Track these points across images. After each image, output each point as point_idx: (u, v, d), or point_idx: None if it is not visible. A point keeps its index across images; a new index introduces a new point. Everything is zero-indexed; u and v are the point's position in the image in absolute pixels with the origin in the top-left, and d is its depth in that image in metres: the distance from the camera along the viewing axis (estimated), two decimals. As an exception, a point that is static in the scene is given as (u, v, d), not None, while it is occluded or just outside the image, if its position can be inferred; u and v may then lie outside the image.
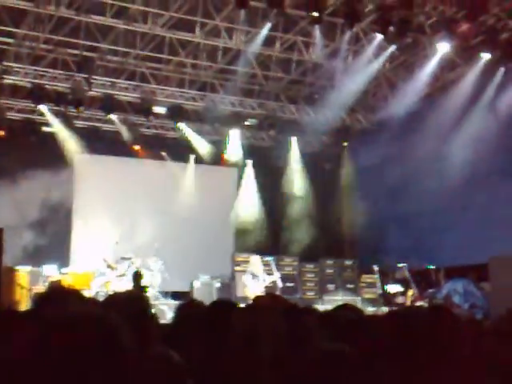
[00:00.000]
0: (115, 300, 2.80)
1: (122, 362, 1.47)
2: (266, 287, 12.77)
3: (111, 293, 3.31)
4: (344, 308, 3.41)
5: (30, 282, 13.93)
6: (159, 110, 15.76)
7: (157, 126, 17.30)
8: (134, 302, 2.77)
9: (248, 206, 17.11)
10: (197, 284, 15.61)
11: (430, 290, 14.47)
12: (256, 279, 12.81)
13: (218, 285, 15.69)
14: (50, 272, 14.37)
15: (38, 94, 14.52)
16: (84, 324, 1.49)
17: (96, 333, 1.48)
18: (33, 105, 15.10)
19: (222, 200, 17.39)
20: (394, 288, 14.49)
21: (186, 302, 3.43)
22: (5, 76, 14.39)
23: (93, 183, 16.44)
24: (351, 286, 16.75)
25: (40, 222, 15.64)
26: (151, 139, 17.10)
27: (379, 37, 13.74)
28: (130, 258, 14.38)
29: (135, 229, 15.88)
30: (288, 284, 15.68)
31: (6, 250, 12.17)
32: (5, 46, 14.14)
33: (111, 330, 1.50)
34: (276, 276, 13.16)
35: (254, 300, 4.09)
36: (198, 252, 16.32)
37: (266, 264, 13.57)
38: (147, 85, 15.62)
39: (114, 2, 12.76)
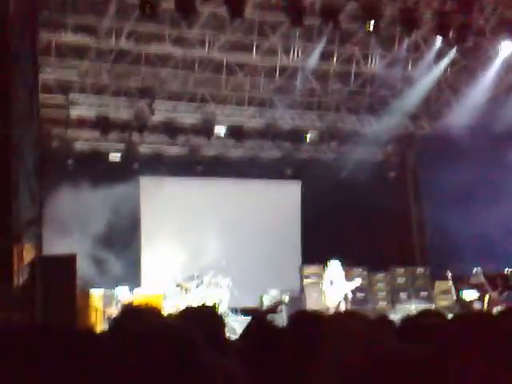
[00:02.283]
0: (190, 314, 2.77)
1: (200, 376, 1.48)
2: (346, 296, 12.71)
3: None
4: (428, 314, 3.35)
5: (104, 305, 14.14)
6: (220, 129, 16.01)
7: (218, 145, 17.43)
8: (208, 315, 2.76)
9: (313, 217, 16.91)
10: (266, 299, 15.62)
11: (507, 294, 13.96)
12: (334, 286, 12.67)
13: (287, 299, 15.46)
14: (123, 294, 14.50)
15: (103, 123, 14.93)
16: (164, 337, 1.50)
17: (176, 346, 1.49)
18: (98, 134, 15.53)
19: (287, 214, 17.41)
20: (469, 294, 14.33)
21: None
22: (71, 107, 14.79)
23: (159, 204, 16.59)
24: (424, 293, 16.38)
25: (110, 245, 15.82)
26: (213, 159, 17.36)
27: (439, 43, 13.49)
28: (198, 277, 14.48)
29: (202, 247, 15.94)
30: (358, 294, 15.28)
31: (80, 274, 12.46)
32: (70, 78, 14.54)
33: (191, 342, 1.51)
34: (355, 283, 12.97)
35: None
36: (266, 267, 16.28)
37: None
38: (207, 106, 15.90)
39: (172, 32, 12.95)
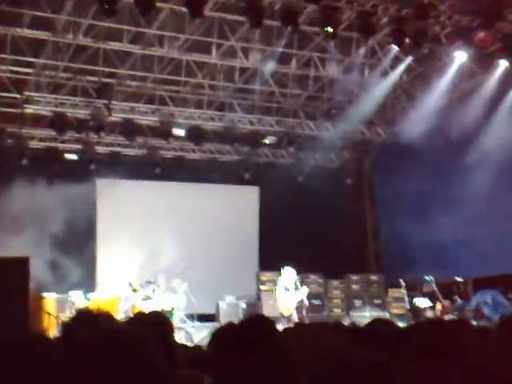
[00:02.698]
0: (142, 320, 2.77)
1: (156, 381, 1.47)
2: (298, 303, 12.68)
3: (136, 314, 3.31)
4: (378, 322, 3.48)
5: (57, 310, 13.86)
6: (178, 132, 15.83)
7: (176, 148, 17.38)
8: (160, 321, 2.74)
9: (270, 223, 17.00)
10: (222, 305, 15.51)
11: (459, 303, 14.20)
12: (289, 293, 12.63)
13: (243, 305, 15.54)
14: (77, 298, 14.28)
15: (59, 122, 14.64)
16: (117, 343, 1.49)
17: (130, 352, 1.48)
18: (54, 133, 15.24)
19: (244, 219, 17.41)
20: (422, 302, 14.35)
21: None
22: (26, 106, 14.45)
23: (115, 207, 16.48)
24: (378, 301, 16.55)
25: (64, 248, 15.49)
26: (171, 161, 17.22)
27: (395, 49, 13.63)
28: (154, 282, 14.39)
29: (159, 251, 15.75)
30: (314, 301, 15.54)
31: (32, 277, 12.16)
32: (25, 76, 14.30)
33: (145, 348, 1.51)
34: (305, 292, 12.93)
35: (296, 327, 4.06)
36: (223, 272, 16.24)
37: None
38: (166, 107, 15.70)
39: (131, 28, 12.85)
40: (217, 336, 2.44)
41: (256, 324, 2.42)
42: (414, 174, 15.14)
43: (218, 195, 17.45)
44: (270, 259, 15.77)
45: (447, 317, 12.83)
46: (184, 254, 15.50)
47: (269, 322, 2.44)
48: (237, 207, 17.57)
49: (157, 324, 2.65)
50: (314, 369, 2.07)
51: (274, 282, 14.46)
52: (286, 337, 2.68)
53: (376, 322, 3.50)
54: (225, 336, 2.45)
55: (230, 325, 2.49)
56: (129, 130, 15.40)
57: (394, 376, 1.92)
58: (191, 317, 14.41)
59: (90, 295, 14.62)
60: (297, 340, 2.54)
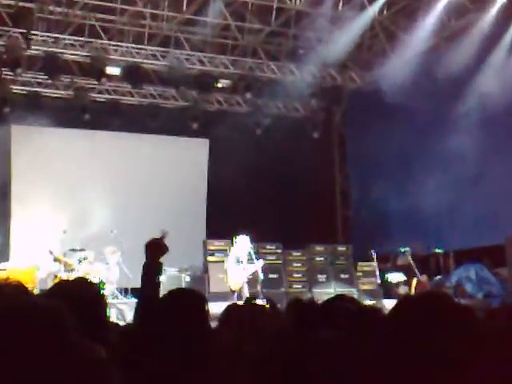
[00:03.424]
0: (62, 289, 2.73)
1: (65, 361, 1.52)
2: (251, 277, 12.24)
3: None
4: (340, 299, 3.54)
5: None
6: (112, 70, 14.71)
7: (109, 90, 16.12)
8: (83, 290, 2.69)
9: (222, 182, 15.78)
10: (162, 279, 14.16)
11: (438, 278, 13.83)
12: (242, 266, 12.10)
13: (187, 279, 14.34)
14: (-13, 268, 13.90)
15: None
16: (26, 316, 1.52)
17: (38, 326, 1.52)
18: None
19: (190, 178, 16.31)
20: (395, 277, 13.79)
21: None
22: None
23: (34, 161, 15.13)
24: (345, 275, 15.52)
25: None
26: (103, 106, 15.90)
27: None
28: (81, 250, 13.39)
29: (87, 214, 14.48)
30: (271, 275, 14.57)
31: None
32: None
33: (58, 324, 1.53)
34: (259, 265, 12.23)
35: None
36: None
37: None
38: (98, 40, 14.46)
39: None
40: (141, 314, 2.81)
41: (180, 300, 2.60)
42: (392, 129, 14.48)
43: (159, 148, 16.19)
44: (221, 226, 14.85)
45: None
46: (117, 218, 14.52)
47: (198, 299, 2.66)
48: (181, 163, 16.30)
49: (83, 296, 2.57)
50: (252, 355, 2.05)
51: (225, 253, 13.85)
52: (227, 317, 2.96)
53: (337, 298, 3.63)
54: (153, 317, 2.66)
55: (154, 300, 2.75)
56: (52, 66, 14.24)
57: (353, 358, 1.86)
58: (124, 291, 13.57)
59: (2, 264, 13.56)
60: (234, 322, 2.78)
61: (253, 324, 2.60)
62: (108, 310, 2.87)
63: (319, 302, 3.64)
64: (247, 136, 15.78)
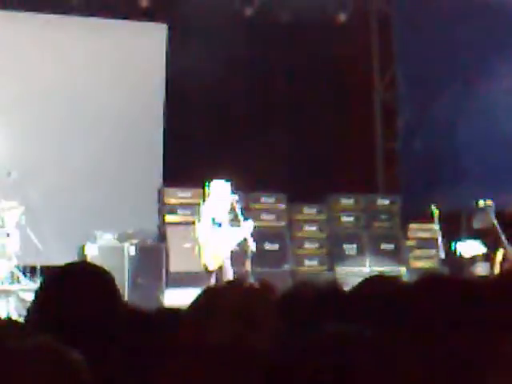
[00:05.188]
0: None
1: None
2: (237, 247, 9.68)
3: None
4: (380, 283, 2.71)
5: None
6: None
7: None
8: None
9: (190, 93, 11.94)
10: (92, 250, 11.28)
11: None
12: (221, 229, 9.50)
13: (131, 250, 11.17)
14: None
15: None
16: None
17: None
18: None
19: (141, 84, 12.26)
20: (469, 247, 10.77)
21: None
22: None
23: None
24: (389, 245, 12.02)
25: None
26: None
27: None
28: None
29: None
30: (268, 246, 11.38)
31: None
32: None
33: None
34: (248, 228, 9.45)
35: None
36: (96, 188, 11.73)
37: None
38: None
39: None
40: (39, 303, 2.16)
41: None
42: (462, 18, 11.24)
43: (98, 37, 12.13)
44: (187, 165, 11.45)
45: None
46: (20, 151, 11.38)
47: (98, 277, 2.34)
48: (128, 60, 12.14)
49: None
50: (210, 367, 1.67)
51: (194, 209, 11.05)
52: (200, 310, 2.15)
53: (375, 281, 2.74)
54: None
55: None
56: None
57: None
58: (30, 271, 11.02)
59: None
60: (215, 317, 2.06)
61: (245, 320, 1.93)
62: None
63: (345, 287, 2.83)
64: (231, 19, 11.62)
